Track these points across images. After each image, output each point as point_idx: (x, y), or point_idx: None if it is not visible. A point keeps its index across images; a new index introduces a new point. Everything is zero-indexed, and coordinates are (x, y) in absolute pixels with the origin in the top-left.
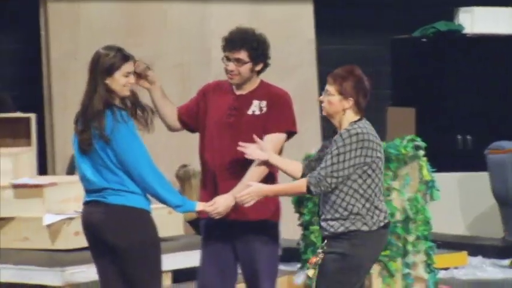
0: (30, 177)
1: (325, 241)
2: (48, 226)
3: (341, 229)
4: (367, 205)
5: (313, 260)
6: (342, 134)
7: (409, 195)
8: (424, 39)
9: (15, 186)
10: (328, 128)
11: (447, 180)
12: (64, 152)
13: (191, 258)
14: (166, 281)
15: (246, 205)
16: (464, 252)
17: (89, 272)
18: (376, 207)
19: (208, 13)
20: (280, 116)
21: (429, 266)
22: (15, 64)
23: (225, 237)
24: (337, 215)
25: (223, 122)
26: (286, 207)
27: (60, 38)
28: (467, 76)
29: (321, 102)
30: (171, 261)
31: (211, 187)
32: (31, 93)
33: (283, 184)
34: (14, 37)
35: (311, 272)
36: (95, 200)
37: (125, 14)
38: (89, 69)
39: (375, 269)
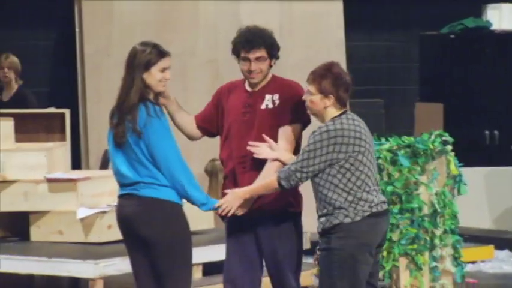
0: (64, 171)
1: (319, 238)
2: (82, 220)
3: (327, 224)
4: (349, 198)
5: (315, 258)
6: (314, 132)
7: (437, 190)
8: (452, 36)
9: (50, 181)
10: None
11: (474, 175)
12: (97, 147)
13: (222, 252)
14: (197, 273)
15: (230, 214)
16: (491, 246)
17: (122, 265)
18: (359, 199)
19: (240, 10)
20: (293, 107)
21: (456, 260)
22: (50, 61)
23: (248, 229)
24: (325, 211)
25: (239, 120)
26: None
27: (93, 35)
28: (495, 72)
29: (304, 101)
30: (201, 254)
31: (231, 185)
32: (65, 89)
33: (256, 183)
34: (49, 34)
35: (315, 270)
36: (128, 193)
37: (157, 11)
38: (126, 65)
39: (403, 262)
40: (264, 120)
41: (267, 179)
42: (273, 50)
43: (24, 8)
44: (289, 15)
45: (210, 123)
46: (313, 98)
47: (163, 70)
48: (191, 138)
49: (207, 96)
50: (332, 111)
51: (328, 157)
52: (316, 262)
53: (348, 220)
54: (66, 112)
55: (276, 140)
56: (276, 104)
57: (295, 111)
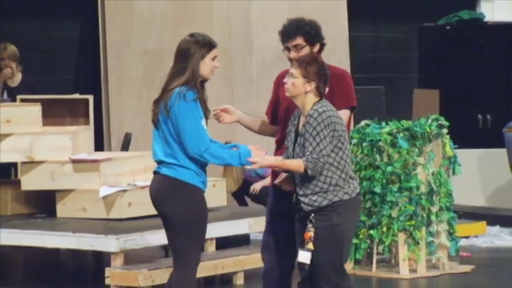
0: (88, 153)
1: (312, 215)
2: (104, 198)
3: (325, 202)
4: (343, 175)
5: (308, 235)
6: (312, 115)
7: (433, 170)
8: (448, 27)
9: (74, 162)
10: (361, 107)
11: (468, 156)
12: (119, 130)
13: (233, 227)
14: (211, 247)
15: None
16: (484, 222)
17: (141, 239)
18: (350, 177)
19: (251, 5)
20: (342, 94)
21: (451, 235)
22: (75, 50)
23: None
24: (317, 189)
25: (291, 108)
26: None
27: (115, 27)
28: (488, 61)
29: (284, 84)
30: (215, 230)
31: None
32: (89, 77)
33: (285, 160)
34: (74, 26)
35: (311, 246)
36: (155, 170)
37: (174, 5)
38: (177, 56)
39: (401, 237)
40: None
41: (295, 161)
42: (311, 36)
43: (53, 2)
44: (297, 9)
45: (277, 111)
46: (296, 81)
47: (213, 59)
48: (273, 135)
49: (220, 81)
50: (312, 98)
51: (330, 135)
52: (310, 238)
53: (346, 197)
54: (90, 98)
55: None
56: (326, 91)
57: (344, 98)
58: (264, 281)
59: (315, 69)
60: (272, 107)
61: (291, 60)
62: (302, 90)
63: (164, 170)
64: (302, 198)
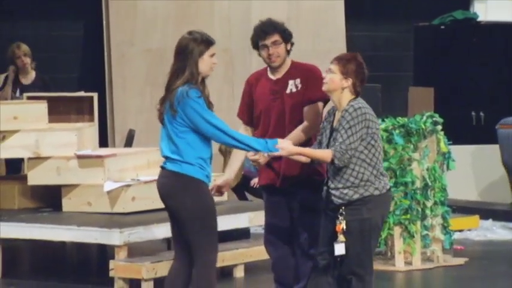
0: (93, 149)
1: (342, 209)
2: (108, 192)
3: (356, 196)
4: (374, 172)
5: (340, 227)
6: (348, 110)
7: (428, 165)
8: (443, 27)
9: (80, 157)
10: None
11: (462, 152)
12: (122, 127)
13: (234, 221)
14: None
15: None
16: (477, 216)
17: (144, 233)
18: (381, 174)
19: (251, 5)
20: (314, 88)
21: (445, 228)
22: (80, 50)
23: (281, 199)
24: (348, 184)
25: (269, 106)
26: None
27: (119, 27)
28: (481, 60)
29: (323, 79)
30: None
31: (265, 166)
32: (94, 75)
33: (312, 149)
34: (79, 26)
35: (342, 238)
36: (161, 165)
37: (176, 6)
38: (176, 54)
39: (397, 230)
40: (292, 103)
41: (322, 151)
42: (285, 34)
43: (59, 2)
44: (296, 9)
45: (252, 112)
46: (334, 77)
47: (212, 56)
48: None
49: (220, 79)
50: (348, 95)
51: (363, 131)
52: (342, 230)
53: (377, 192)
54: (95, 96)
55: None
56: (299, 88)
57: (316, 92)
58: (275, 272)
59: (354, 67)
60: (247, 108)
61: (268, 57)
62: (339, 86)
63: (169, 166)
64: (333, 192)
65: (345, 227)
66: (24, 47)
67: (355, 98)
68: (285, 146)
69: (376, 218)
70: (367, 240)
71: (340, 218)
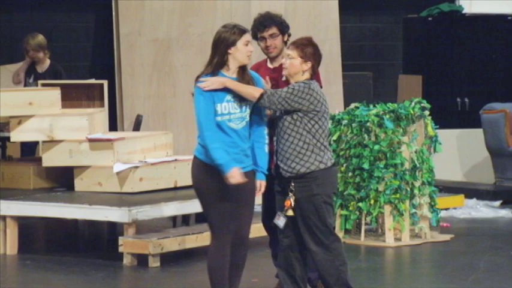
0: (103, 133)
1: (292, 185)
2: (118, 173)
3: (303, 170)
4: (318, 144)
5: (288, 202)
6: (296, 83)
7: (416, 148)
8: (430, 18)
9: (91, 140)
10: (351, 91)
11: (448, 136)
12: (131, 112)
13: None
14: (191, 220)
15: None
16: (462, 195)
17: (151, 211)
18: (325, 147)
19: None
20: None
21: (432, 207)
22: (91, 39)
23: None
24: (295, 153)
25: None
26: None
27: (127, 19)
28: (466, 49)
29: (283, 65)
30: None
31: None
32: (104, 63)
33: (243, 84)
34: (91, 18)
35: (290, 213)
36: None
37: None
38: (213, 46)
39: (387, 209)
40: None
41: (254, 87)
42: (282, 26)
43: None
44: (293, 1)
45: None
46: (293, 61)
47: (246, 44)
48: None
49: None
50: (307, 77)
51: (304, 103)
52: (289, 205)
53: (322, 166)
54: (105, 83)
55: None
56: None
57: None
58: (272, 248)
59: (311, 50)
60: None
61: (266, 48)
62: (299, 70)
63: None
64: (281, 165)
65: (293, 203)
66: (38, 39)
67: (310, 78)
68: (235, 175)
69: (326, 192)
70: (321, 213)
71: (290, 194)
